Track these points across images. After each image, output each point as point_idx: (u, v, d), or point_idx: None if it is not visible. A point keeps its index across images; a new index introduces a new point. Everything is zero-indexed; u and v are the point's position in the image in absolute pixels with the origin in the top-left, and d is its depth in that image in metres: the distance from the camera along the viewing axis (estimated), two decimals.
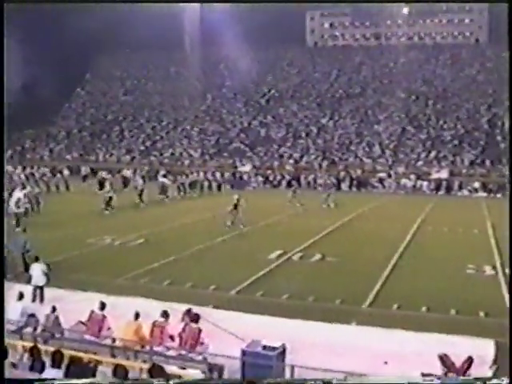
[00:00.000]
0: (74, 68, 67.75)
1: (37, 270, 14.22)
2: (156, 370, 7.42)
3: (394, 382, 7.55)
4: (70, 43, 61.93)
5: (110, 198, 31.26)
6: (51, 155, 60.76)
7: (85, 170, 50.18)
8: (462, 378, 8.86)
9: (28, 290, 13.62)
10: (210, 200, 38.41)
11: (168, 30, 65.88)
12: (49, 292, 14.20)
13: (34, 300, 13.86)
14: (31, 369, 7.40)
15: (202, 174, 45.63)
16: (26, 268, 15.25)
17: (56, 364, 7.43)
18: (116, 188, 34.35)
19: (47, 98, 58.12)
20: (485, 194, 44.60)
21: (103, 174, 41.45)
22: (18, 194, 26.06)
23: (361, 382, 7.77)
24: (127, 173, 46.12)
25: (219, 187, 44.98)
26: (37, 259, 14.58)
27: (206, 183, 43.98)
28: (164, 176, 41.99)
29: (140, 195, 34.50)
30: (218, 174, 49.40)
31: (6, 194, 25.84)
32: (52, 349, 8.05)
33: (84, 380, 6.79)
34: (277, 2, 61.90)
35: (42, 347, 8.33)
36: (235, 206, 26.22)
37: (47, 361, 7.52)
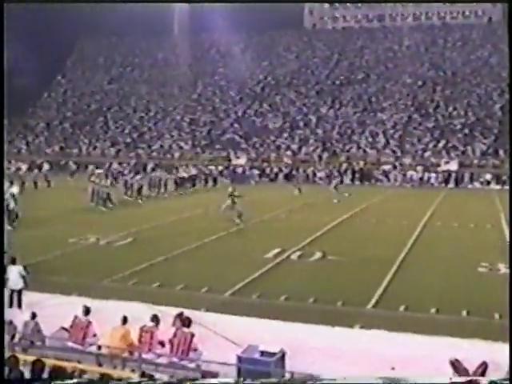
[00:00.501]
0: (55, 54, 67.53)
1: (14, 273, 14.11)
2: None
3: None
4: (50, 27, 61.74)
5: (108, 194, 31.66)
6: (29, 148, 60.59)
7: (72, 164, 50.31)
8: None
9: (4, 294, 13.53)
10: (204, 196, 38.42)
11: (156, 14, 65.77)
12: (28, 296, 14.12)
13: (11, 305, 13.77)
14: (8, 380, 7.35)
15: (196, 167, 45.62)
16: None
17: (36, 374, 7.38)
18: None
19: (25, 86, 57.87)
20: (498, 187, 44.67)
21: (91, 167, 41.62)
22: (13, 189, 26.71)
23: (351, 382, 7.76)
24: (118, 167, 46.52)
25: (215, 182, 44.75)
26: (14, 261, 14.47)
27: (201, 177, 43.78)
28: (153, 169, 42.19)
29: (139, 191, 35.14)
30: (215, 168, 49.36)
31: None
32: (32, 358, 8.00)
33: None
34: (275, 2, 62.26)
35: (20, 356, 8.28)
36: (233, 201, 26.28)
37: (26, 371, 7.47)
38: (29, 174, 42.10)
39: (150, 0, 60.51)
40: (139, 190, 35.39)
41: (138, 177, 36.85)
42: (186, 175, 41.66)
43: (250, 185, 46.35)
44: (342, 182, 46.60)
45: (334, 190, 35.96)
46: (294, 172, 47.57)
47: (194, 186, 42.13)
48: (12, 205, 25.25)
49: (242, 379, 8.60)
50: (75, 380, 6.76)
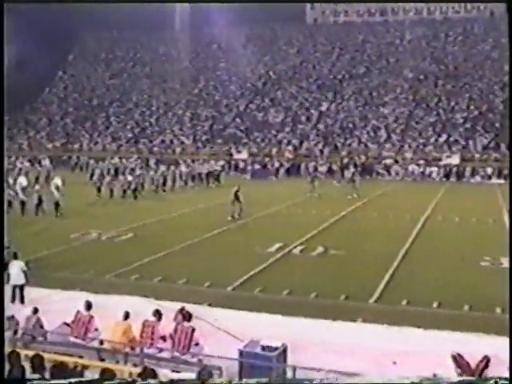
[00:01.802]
0: (56, 49, 67.36)
1: (16, 268, 14.11)
2: (147, 374, 7.35)
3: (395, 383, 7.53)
4: (51, 22, 61.60)
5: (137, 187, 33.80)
6: (31, 144, 60.60)
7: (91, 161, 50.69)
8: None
9: (6, 289, 13.53)
10: (208, 191, 38.38)
11: (157, 8, 65.59)
12: (30, 292, 14.13)
13: (13, 301, 13.77)
14: (9, 376, 7.34)
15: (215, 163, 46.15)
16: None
17: (36, 369, 7.36)
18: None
19: (26, 81, 57.82)
20: (500, 181, 44.55)
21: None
22: (22, 180, 27.63)
23: (355, 382, 7.75)
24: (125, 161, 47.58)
25: (218, 177, 44.39)
26: (15, 256, 14.47)
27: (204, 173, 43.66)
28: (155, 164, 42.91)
29: (164, 183, 37.21)
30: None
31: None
32: (33, 353, 7.99)
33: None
34: (277, 2, 62.33)
35: (21, 351, 8.27)
36: (236, 198, 26.02)
37: (27, 366, 7.46)
38: (30, 169, 42.19)
39: (151, 0, 60.59)
40: (164, 182, 37.43)
41: (162, 168, 39.27)
42: (206, 170, 42.42)
43: (271, 180, 46.41)
44: (343, 176, 46.69)
45: (350, 184, 35.34)
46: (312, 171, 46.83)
47: (217, 180, 42.33)
48: (57, 196, 26.87)
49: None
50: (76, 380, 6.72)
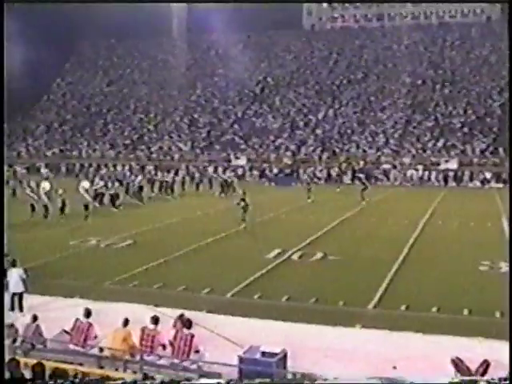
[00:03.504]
0: (54, 57, 67.46)
1: (14, 276, 14.06)
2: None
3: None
4: (49, 30, 61.71)
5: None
6: (29, 151, 60.65)
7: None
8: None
9: (5, 297, 13.51)
10: (212, 198, 38.26)
11: (154, 15, 65.74)
12: (29, 299, 14.10)
13: (12, 309, 13.73)
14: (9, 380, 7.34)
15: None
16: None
17: (37, 377, 7.36)
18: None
19: (24, 89, 57.85)
20: (498, 185, 44.64)
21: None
22: (45, 184, 29.42)
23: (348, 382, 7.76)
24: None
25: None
26: (14, 264, 14.42)
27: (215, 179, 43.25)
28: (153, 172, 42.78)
29: (172, 188, 37.86)
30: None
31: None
32: (33, 361, 7.98)
33: None
34: (276, 1, 62.33)
35: (21, 359, 8.26)
36: (244, 201, 25.87)
37: (27, 374, 7.45)
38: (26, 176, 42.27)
39: (151, 0, 60.60)
40: (172, 186, 38.16)
41: (171, 175, 39.55)
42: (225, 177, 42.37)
43: (291, 187, 46.06)
44: (341, 181, 46.80)
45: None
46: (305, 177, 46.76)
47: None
48: (88, 198, 28.96)
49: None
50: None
